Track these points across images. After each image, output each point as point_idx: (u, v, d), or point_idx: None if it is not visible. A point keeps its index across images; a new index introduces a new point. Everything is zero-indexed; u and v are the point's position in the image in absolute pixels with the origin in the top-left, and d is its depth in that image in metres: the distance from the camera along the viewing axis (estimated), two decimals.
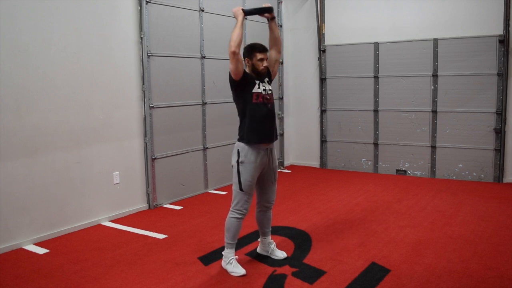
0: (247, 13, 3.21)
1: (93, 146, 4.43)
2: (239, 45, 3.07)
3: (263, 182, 3.33)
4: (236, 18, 3.15)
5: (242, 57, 3.18)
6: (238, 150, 3.22)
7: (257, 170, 3.21)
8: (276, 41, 3.39)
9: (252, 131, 3.17)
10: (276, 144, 6.88)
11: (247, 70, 3.23)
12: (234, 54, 3.05)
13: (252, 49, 3.22)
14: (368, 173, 6.67)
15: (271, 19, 3.33)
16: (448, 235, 3.94)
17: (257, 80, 3.22)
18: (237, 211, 3.21)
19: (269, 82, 3.33)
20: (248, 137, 3.18)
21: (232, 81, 3.18)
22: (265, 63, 3.22)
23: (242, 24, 3.13)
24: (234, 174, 3.22)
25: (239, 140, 3.25)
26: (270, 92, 3.29)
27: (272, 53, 3.38)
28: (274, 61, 3.40)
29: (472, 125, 5.98)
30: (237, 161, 3.20)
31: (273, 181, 3.36)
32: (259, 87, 3.21)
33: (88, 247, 3.86)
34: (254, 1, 6.34)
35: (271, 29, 3.37)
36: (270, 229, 3.52)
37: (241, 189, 3.18)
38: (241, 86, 3.18)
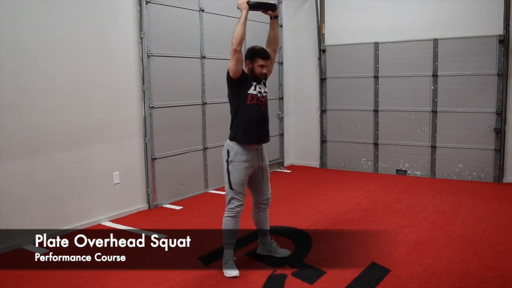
0: (252, 6, 3.16)
1: (93, 146, 4.42)
2: (241, 43, 3.05)
3: (256, 181, 3.34)
4: (240, 11, 3.11)
5: (243, 56, 3.16)
6: (228, 149, 3.23)
7: (247, 170, 3.22)
8: (274, 40, 3.37)
9: (244, 131, 3.18)
10: (276, 144, 6.98)
11: (245, 70, 3.22)
12: (235, 52, 3.04)
13: (255, 54, 3.20)
14: (368, 173, 6.66)
15: (274, 17, 3.30)
16: (448, 235, 3.93)
17: (254, 81, 3.21)
18: (230, 210, 3.22)
19: (265, 84, 3.32)
20: (239, 137, 3.19)
21: (229, 79, 3.17)
22: (264, 70, 3.21)
23: (246, 19, 3.09)
24: (224, 173, 3.23)
25: (230, 139, 3.24)
26: (265, 94, 3.28)
27: (268, 50, 3.34)
28: (271, 58, 3.35)
29: (472, 125, 5.97)
30: (227, 160, 3.21)
31: (265, 179, 3.36)
32: (255, 89, 3.20)
33: (88, 247, 3.85)
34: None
35: (272, 27, 3.35)
36: (269, 228, 3.52)
37: (231, 187, 3.20)
38: (237, 85, 3.17)
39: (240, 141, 3.19)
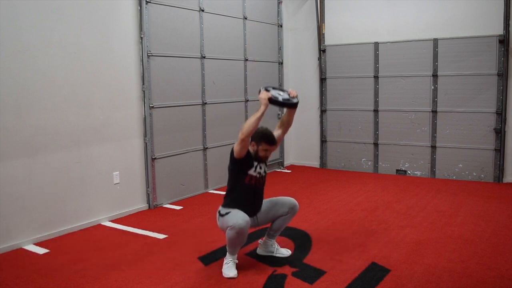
0: (273, 103, 3.19)
1: (93, 146, 4.43)
2: (250, 135, 3.11)
3: (268, 215, 3.42)
4: (260, 104, 3.13)
5: (249, 141, 3.18)
6: (219, 211, 3.31)
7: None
8: (287, 124, 3.48)
9: (237, 206, 3.25)
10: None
11: (250, 149, 3.26)
12: (243, 141, 3.09)
13: (262, 139, 3.23)
14: (368, 173, 6.67)
15: (294, 107, 3.36)
16: (448, 235, 3.94)
17: (256, 161, 3.26)
18: (234, 226, 3.10)
19: (266, 164, 3.38)
20: (232, 206, 3.27)
21: (232, 157, 3.23)
22: (268, 154, 3.28)
23: (263, 115, 3.10)
24: (223, 224, 3.24)
25: (223, 206, 3.32)
26: (264, 175, 3.36)
27: (278, 132, 3.43)
28: (277, 141, 3.37)
29: (472, 125, 5.98)
30: (221, 215, 3.28)
31: (274, 204, 3.43)
32: (255, 170, 3.26)
33: (88, 247, 3.86)
34: (255, 1, 6.35)
35: (288, 114, 3.44)
36: (279, 234, 3.58)
37: (226, 213, 3.22)
38: (239, 164, 3.23)
39: (234, 209, 3.27)
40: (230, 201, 3.30)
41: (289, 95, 3.30)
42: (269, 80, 6.66)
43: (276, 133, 3.40)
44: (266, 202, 3.46)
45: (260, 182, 3.33)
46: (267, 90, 3.20)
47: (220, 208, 3.34)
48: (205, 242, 3.91)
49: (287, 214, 3.44)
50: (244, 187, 3.27)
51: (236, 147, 3.14)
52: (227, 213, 3.24)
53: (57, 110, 4.10)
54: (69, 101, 4.20)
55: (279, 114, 7.00)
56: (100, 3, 4.41)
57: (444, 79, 6.08)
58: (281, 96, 3.26)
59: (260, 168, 3.30)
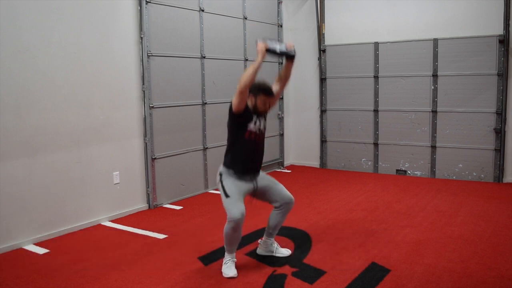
0: (270, 52, 3.17)
1: (93, 146, 4.43)
2: (248, 86, 3.06)
3: (265, 194, 3.37)
4: (257, 54, 3.12)
5: (247, 93, 3.14)
6: (220, 172, 3.29)
7: (242, 184, 3.23)
8: (285, 79, 3.42)
9: (237, 163, 3.23)
10: (276, 144, 6.98)
11: (248, 103, 3.22)
12: (241, 93, 3.05)
13: (260, 90, 3.20)
14: (368, 173, 6.67)
15: (291, 60, 3.32)
16: (448, 235, 3.94)
17: (255, 114, 3.23)
18: (230, 220, 3.13)
19: (266, 118, 3.34)
20: (232, 166, 3.24)
21: (231, 112, 3.19)
22: (267, 106, 3.23)
23: (260, 65, 3.08)
24: (220, 191, 3.25)
25: (223, 164, 3.29)
26: (264, 130, 3.32)
27: (276, 87, 3.38)
28: (276, 95, 3.36)
29: (472, 125, 5.98)
30: (220, 180, 3.26)
31: (274, 186, 3.39)
32: (254, 124, 3.22)
33: (88, 247, 3.86)
34: (255, 1, 6.35)
35: (286, 67, 3.38)
36: (277, 231, 3.55)
37: (226, 195, 3.18)
38: (238, 119, 3.19)
39: (233, 170, 3.24)
40: (231, 159, 3.25)
41: (286, 48, 3.26)
42: (269, 80, 6.63)
43: (275, 88, 3.35)
44: (269, 180, 3.41)
45: (260, 138, 3.27)
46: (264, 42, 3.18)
47: (221, 168, 3.29)
48: (205, 242, 3.91)
49: (280, 208, 3.40)
50: (244, 143, 3.21)
51: (235, 101, 3.09)
52: (224, 180, 3.21)
53: (57, 110, 4.10)
54: (69, 101, 4.20)
55: (279, 114, 7.02)
56: (100, 3, 4.41)
57: (444, 79, 6.08)
58: (278, 47, 3.23)
59: (260, 122, 3.25)
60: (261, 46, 3.15)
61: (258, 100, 3.20)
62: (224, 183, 3.23)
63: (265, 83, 3.24)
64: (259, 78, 3.20)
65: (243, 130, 3.20)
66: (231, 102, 3.15)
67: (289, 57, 3.27)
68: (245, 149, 3.23)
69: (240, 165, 3.23)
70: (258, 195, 3.38)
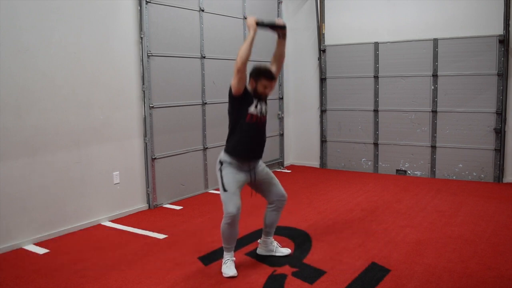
0: (260, 25, 3.16)
1: (93, 146, 4.43)
2: (245, 62, 3.03)
3: (260, 187, 3.36)
4: (249, 30, 3.10)
5: (247, 74, 3.13)
6: (220, 160, 3.27)
7: (240, 174, 3.22)
8: (280, 58, 3.37)
9: (238, 148, 3.21)
10: (276, 144, 6.98)
11: (248, 88, 3.20)
12: (239, 71, 3.02)
13: (260, 74, 3.17)
14: (368, 173, 6.67)
15: (282, 37, 3.29)
16: (448, 235, 3.94)
17: (256, 98, 3.20)
18: (227, 217, 3.16)
19: (266, 102, 3.31)
20: (233, 152, 3.22)
21: (231, 95, 3.16)
22: (268, 90, 3.20)
23: (253, 39, 3.07)
24: (218, 182, 3.25)
25: (224, 150, 3.28)
26: (265, 113, 3.28)
27: (272, 68, 3.34)
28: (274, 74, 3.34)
29: (472, 125, 5.98)
30: (220, 169, 3.25)
31: (270, 180, 3.38)
32: (256, 107, 3.18)
33: (88, 247, 3.86)
34: (255, 1, 6.35)
35: (278, 45, 3.34)
36: (274, 229, 3.54)
37: (224, 189, 3.18)
38: (238, 102, 3.16)
39: (234, 156, 3.22)
40: (232, 145, 3.23)
41: (275, 22, 3.25)
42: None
43: (272, 68, 3.31)
44: (268, 174, 3.39)
45: (261, 121, 3.24)
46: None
47: (222, 154, 3.28)
48: (205, 242, 3.91)
49: (272, 204, 3.39)
50: (245, 127, 3.18)
51: (234, 81, 3.07)
52: (223, 168, 3.21)
53: (57, 110, 4.10)
54: (69, 101, 4.20)
55: (279, 114, 7.02)
56: (100, 3, 4.41)
57: (444, 79, 6.08)
58: (266, 20, 3.24)
59: (261, 106, 3.22)
60: (250, 20, 3.13)
61: (259, 84, 3.17)
62: (223, 173, 3.22)
63: (266, 66, 3.22)
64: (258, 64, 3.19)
65: (244, 114, 3.16)
66: (230, 86, 3.13)
67: (280, 29, 3.24)
68: (247, 134, 3.19)
69: (241, 150, 3.20)
70: (254, 185, 3.36)
